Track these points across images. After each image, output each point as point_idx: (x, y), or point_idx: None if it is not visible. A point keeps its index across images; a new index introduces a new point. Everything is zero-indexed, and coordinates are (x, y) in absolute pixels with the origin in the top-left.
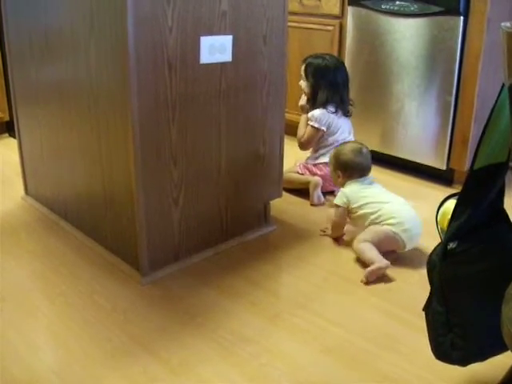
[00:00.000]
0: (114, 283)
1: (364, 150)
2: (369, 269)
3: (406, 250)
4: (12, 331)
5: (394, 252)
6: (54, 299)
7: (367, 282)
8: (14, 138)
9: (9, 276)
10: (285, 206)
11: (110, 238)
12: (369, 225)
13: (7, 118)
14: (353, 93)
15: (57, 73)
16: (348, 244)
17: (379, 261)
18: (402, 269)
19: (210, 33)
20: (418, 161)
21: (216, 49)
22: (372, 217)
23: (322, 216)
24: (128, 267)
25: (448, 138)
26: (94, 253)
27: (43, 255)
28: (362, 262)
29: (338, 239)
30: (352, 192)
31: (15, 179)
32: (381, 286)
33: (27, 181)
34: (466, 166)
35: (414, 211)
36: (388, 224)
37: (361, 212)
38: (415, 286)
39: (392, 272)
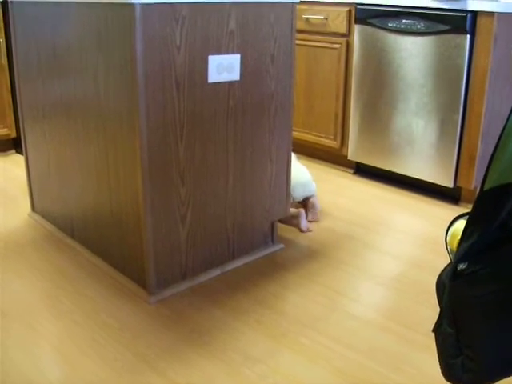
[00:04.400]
0: (121, 302)
1: None
2: None
3: (296, 200)
4: (17, 348)
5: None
6: (60, 317)
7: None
8: (21, 154)
9: (14, 293)
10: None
11: (117, 256)
12: None
13: (14, 135)
14: (359, 110)
15: (64, 90)
16: (349, 261)
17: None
18: (409, 289)
19: (218, 52)
20: (425, 179)
21: (224, 68)
22: None
23: (329, 236)
24: (135, 286)
25: (455, 156)
26: (100, 271)
27: (49, 273)
28: (369, 280)
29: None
30: None
31: (22, 196)
32: (389, 306)
33: (34, 198)
34: (473, 184)
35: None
36: None
37: None
38: (423, 306)
39: (400, 292)
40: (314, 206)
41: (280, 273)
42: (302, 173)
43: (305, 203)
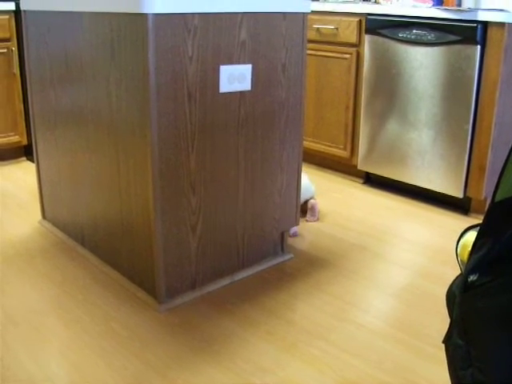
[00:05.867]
0: (131, 310)
1: None
2: None
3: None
4: (26, 356)
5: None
6: (70, 325)
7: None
8: (32, 161)
9: (24, 300)
10: (301, 233)
11: (127, 265)
12: None
13: (25, 142)
14: (369, 120)
15: (76, 99)
16: (359, 271)
17: None
18: (419, 299)
19: (230, 62)
20: (435, 189)
21: (235, 78)
22: None
23: (338, 246)
24: (145, 294)
25: (465, 166)
26: (110, 279)
27: (59, 280)
28: (378, 290)
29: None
30: None
31: (32, 203)
32: (398, 317)
33: (44, 205)
34: (483, 195)
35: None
36: None
37: None
38: (433, 316)
39: (409, 302)
40: (313, 208)
41: (290, 282)
42: (301, 177)
43: (305, 205)
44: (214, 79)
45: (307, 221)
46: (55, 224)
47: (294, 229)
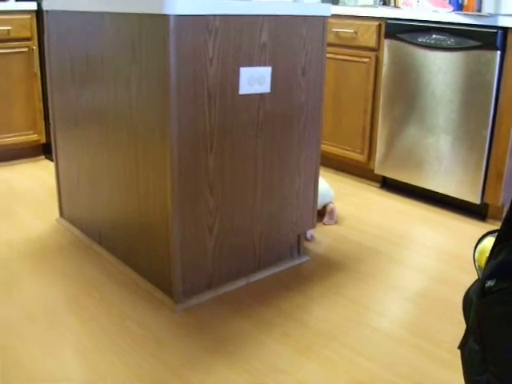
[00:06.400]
0: (147, 309)
1: None
2: None
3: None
4: (42, 352)
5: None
6: (86, 322)
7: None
8: (50, 160)
9: (41, 297)
10: (317, 236)
11: (144, 264)
12: None
13: (44, 141)
14: (387, 125)
15: (97, 99)
16: (375, 275)
17: None
18: (434, 304)
19: (250, 64)
20: (452, 194)
21: (255, 80)
22: None
23: (354, 249)
24: (161, 294)
25: (482, 173)
26: (127, 278)
27: (76, 278)
28: (394, 294)
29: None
30: None
31: (50, 201)
32: (413, 321)
33: (62, 203)
34: (501, 201)
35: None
36: None
37: None
38: (447, 322)
39: (424, 307)
40: (332, 212)
41: (305, 285)
42: (320, 182)
43: (323, 209)
44: (234, 81)
45: (324, 224)
46: (72, 222)
47: (310, 232)
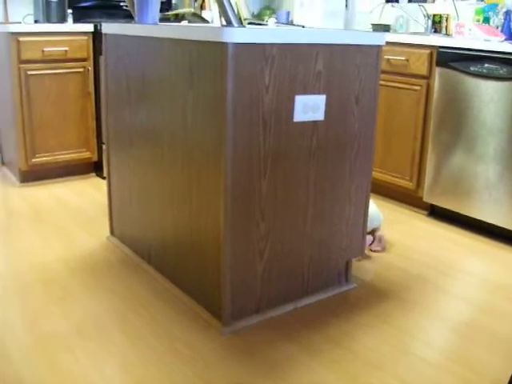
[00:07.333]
0: (195, 330)
1: None
2: None
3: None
4: (90, 367)
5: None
6: (133, 340)
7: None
8: (101, 177)
9: (90, 313)
10: (365, 264)
11: (193, 285)
12: None
13: (96, 159)
14: (437, 152)
15: (152, 120)
16: (421, 304)
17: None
18: (481, 335)
19: (305, 92)
20: (501, 224)
21: (309, 107)
22: None
23: (401, 277)
24: (209, 315)
25: None
26: (175, 298)
27: (125, 296)
28: (440, 323)
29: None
30: None
31: (101, 219)
32: (459, 352)
33: (113, 221)
34: None
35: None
36: None
37: None
38: (494, 354)
39: (471, 338)
40: (380, 239)
41: (352, 312)
42: (370, 205)
43: (372, 234)
44: (289, 108)
45: (372, 250)
46: (122, 240)
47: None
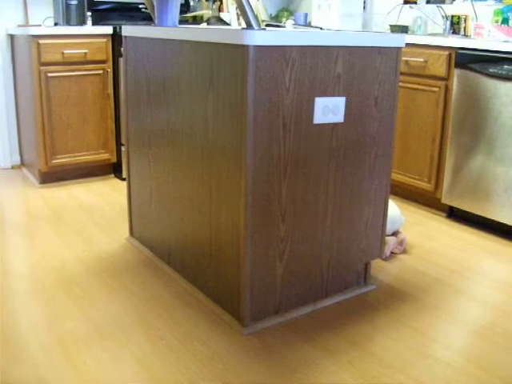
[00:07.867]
0: (215, 331)
1: None
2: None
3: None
4: (113, 370)
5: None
6: (153, 341)
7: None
8: (119, 179)
9: (111, 314)
10: (384, 265)
11: (213, 287)
12: None
13: (115, 160)
14: (455, 154)
15: (172, 122)
16: (440, 306)
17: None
18: (501, 339)
19: (325, 94)
20: None
21: (329, 110)
22: None
23: (420, 279)
24: (229, 317)
25: None
26: (195, 299)
27: (145, 298)
28: (459, 326)
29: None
30: None
31: (120, 220)
32: (479, 355)
33: (133, 223)
34: None
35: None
36: None
37: None
38: None
39: (491, 341)
40: (401, 243)
41: (372, 314)
42: (391, 208)
43: (393, 235)
44: (309, 110)
45: (392, 252)
46: (142, 241)
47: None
